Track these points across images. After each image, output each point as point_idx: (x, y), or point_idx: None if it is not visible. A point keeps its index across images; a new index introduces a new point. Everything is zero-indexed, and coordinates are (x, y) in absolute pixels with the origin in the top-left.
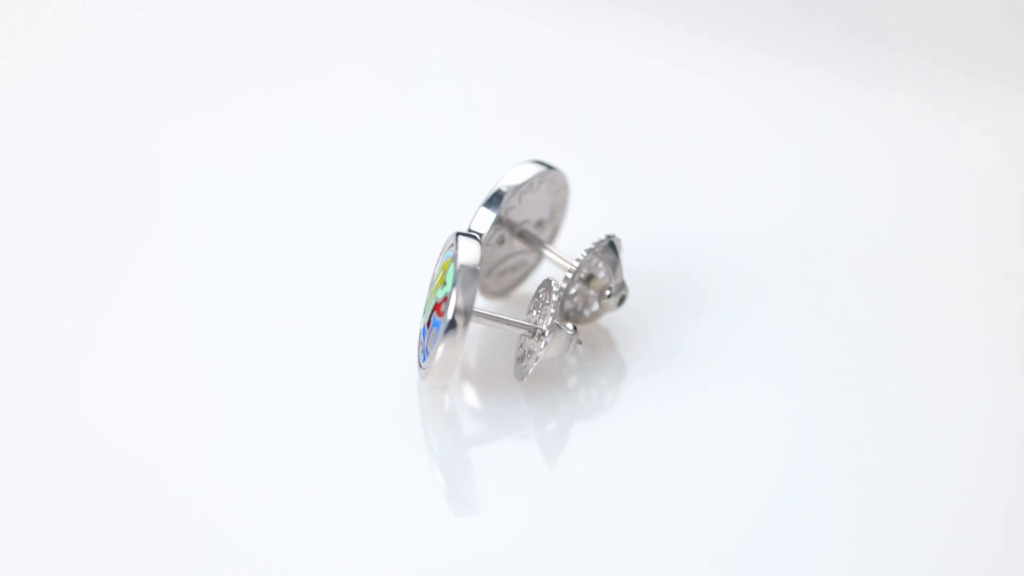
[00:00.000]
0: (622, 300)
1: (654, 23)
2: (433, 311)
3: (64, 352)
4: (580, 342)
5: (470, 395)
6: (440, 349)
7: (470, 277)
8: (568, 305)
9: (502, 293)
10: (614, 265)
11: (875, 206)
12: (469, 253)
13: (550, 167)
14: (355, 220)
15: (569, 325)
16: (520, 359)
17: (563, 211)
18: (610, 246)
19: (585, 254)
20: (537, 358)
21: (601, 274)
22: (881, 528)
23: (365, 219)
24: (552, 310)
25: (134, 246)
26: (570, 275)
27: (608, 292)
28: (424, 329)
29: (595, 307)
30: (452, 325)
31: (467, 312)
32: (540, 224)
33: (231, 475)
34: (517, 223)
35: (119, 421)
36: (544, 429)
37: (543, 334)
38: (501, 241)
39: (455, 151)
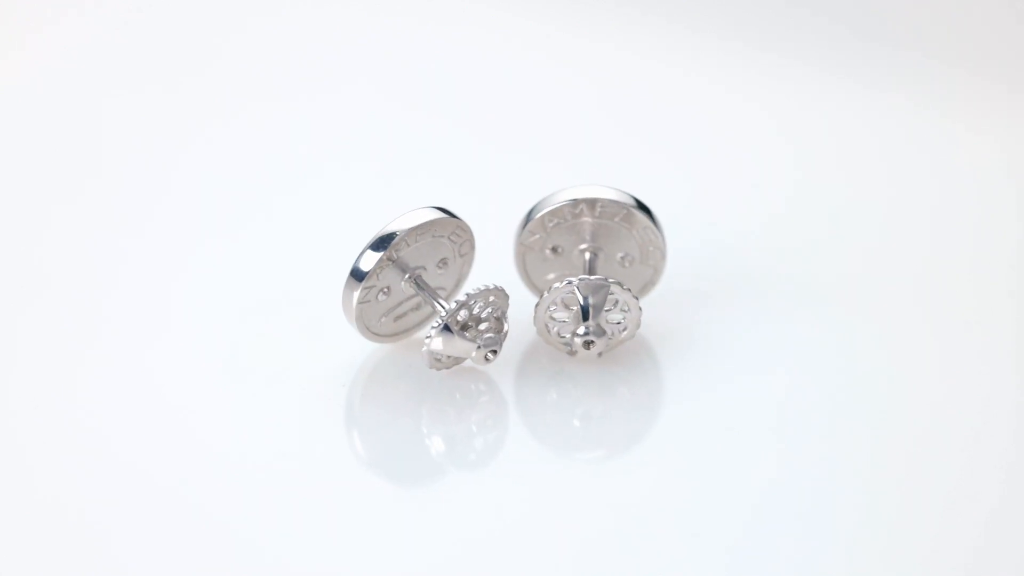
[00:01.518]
0: (587, 345)
1: (653, 24)
2: None
3: (57, 344)
4: (491, 355)
5: (463, 380)
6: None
7: (384, 237)
8: (565, 333)
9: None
10: (596, 307)
11: (875, 207)
12: (405, 220)
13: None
14: (353, 222)
15: (490, 335)
16: None
17: (654, 263)
18: (597, 287)
19: (562, 284)
20: (424, 344)
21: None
22: (878, 526)
23: (363, 221)
24: (453, 305)
25: (128, 245)
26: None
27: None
28: None
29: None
30: (351, 273)
31: (362, 267)
32: (627, 259)
33: (224, 470)
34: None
35: (109, 413)
36: (540, 419)
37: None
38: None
39: (452, 154)
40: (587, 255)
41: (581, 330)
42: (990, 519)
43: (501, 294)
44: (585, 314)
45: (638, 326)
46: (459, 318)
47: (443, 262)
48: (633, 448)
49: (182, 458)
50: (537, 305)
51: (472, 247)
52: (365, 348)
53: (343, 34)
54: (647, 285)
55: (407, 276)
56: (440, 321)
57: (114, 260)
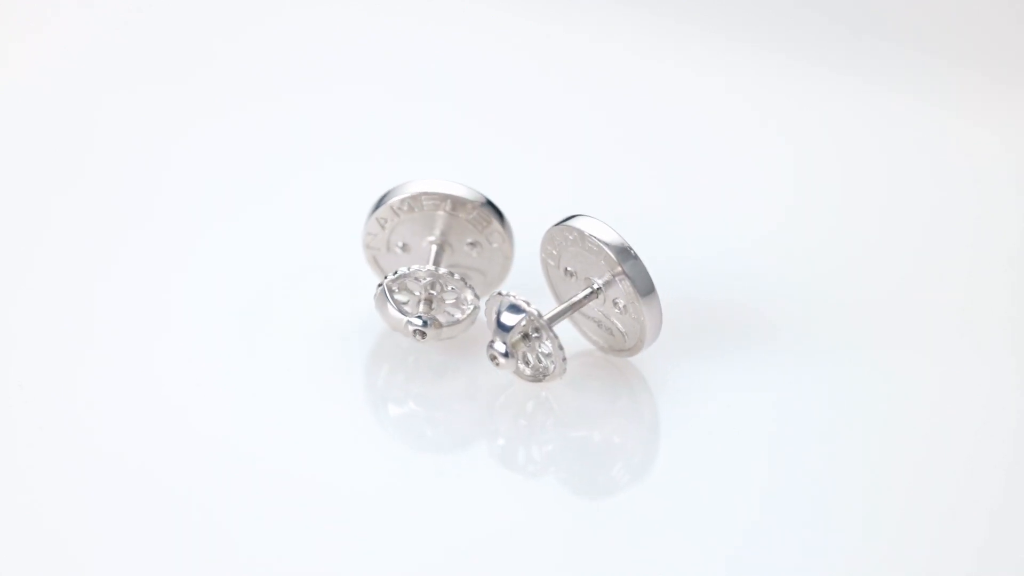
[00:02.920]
0: (491, 358)
1: (654, 25)
2: None
3: (56, 342)
4: (419, 334)
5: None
6: None
7: (390, 192)
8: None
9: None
10: (512, 326)
11: (874, 207)
12: (420, 184)
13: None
14: (348, 219)
15: (427, 315)
16: None
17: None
18: (511, 307)
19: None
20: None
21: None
22: (876, 531)
23: (357, 218)
24: (392, 274)
25: (124, 243)
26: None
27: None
28: None
29: None
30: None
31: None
32: (621, 305)
33: (225, 467)
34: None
35: (111, 411)
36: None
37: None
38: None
39: (451, 155)
40: (586, 290)
41: (497, 344)
42: (989, 534)
43: (461, 284)
44: (499, 327)
45: (563, 365)
46: (424, 295)
47: (474, 245)
48: (622, 465)
49: (185, 454)
50: (485, 311)
51: (503, 239)
52: (368, 343)
53: (342, 34)
54: (635, 346)
55: (430, 240)
56: (380, 284)
57: (114, 257)
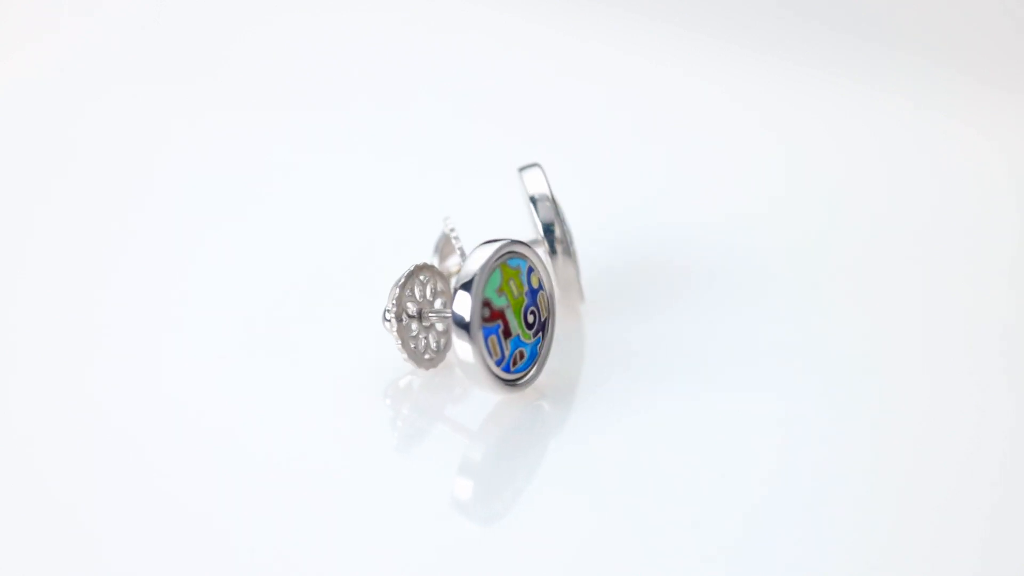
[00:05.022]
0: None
1: (653, 25)
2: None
3: (60, 343)
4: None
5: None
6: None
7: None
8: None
9: None
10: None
11: (870, 207)
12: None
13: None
14: (348, 217)
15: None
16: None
17: None
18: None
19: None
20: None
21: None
22: (872, 532)
23: (358, 216)
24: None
25: (127, 241)
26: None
27: None
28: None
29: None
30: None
31: None
32: None
33: (229, 465)
34: None
35: (117, 410)
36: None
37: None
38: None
39: (446, 150)
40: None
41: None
42: (985, 527)
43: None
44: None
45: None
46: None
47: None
48: (604, 455)
49: (186, 455)
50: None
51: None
52: (375, 346)
53: (346, 35)
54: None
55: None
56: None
57: (118, 259)
